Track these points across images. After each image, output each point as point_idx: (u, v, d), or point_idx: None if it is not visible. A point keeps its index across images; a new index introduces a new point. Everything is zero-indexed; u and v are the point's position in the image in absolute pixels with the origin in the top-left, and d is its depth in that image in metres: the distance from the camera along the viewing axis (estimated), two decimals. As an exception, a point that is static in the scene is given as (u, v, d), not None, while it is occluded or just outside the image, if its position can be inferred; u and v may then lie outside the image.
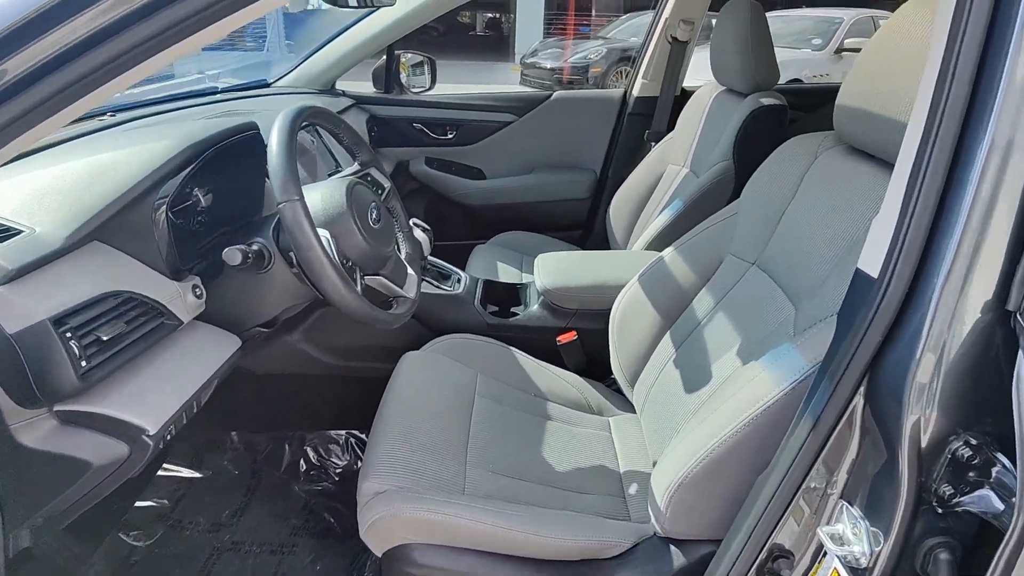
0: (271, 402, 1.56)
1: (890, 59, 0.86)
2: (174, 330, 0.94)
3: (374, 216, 1.06)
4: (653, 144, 2.11)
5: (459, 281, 1.60)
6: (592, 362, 1.50)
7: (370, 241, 1.01)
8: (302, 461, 1.56)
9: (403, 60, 2.33)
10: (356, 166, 1.19)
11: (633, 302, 1.32)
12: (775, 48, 1.64)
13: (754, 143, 1.60)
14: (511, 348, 1.41)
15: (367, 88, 2.25)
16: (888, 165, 0.79)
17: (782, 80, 1.76)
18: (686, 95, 2.19)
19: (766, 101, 1.59)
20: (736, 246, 1.21)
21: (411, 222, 1.49)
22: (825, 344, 0.66)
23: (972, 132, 0.52)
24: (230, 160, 1.09)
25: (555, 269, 1.54)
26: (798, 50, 7.42)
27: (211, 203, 1.05)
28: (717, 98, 1.84)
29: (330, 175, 1.21)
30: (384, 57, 2.20)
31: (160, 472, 1.48)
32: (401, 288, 1.13)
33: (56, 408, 0.78)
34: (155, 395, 0.86)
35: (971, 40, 0.52)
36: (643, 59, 2.19)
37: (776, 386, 0.77)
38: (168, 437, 0.88)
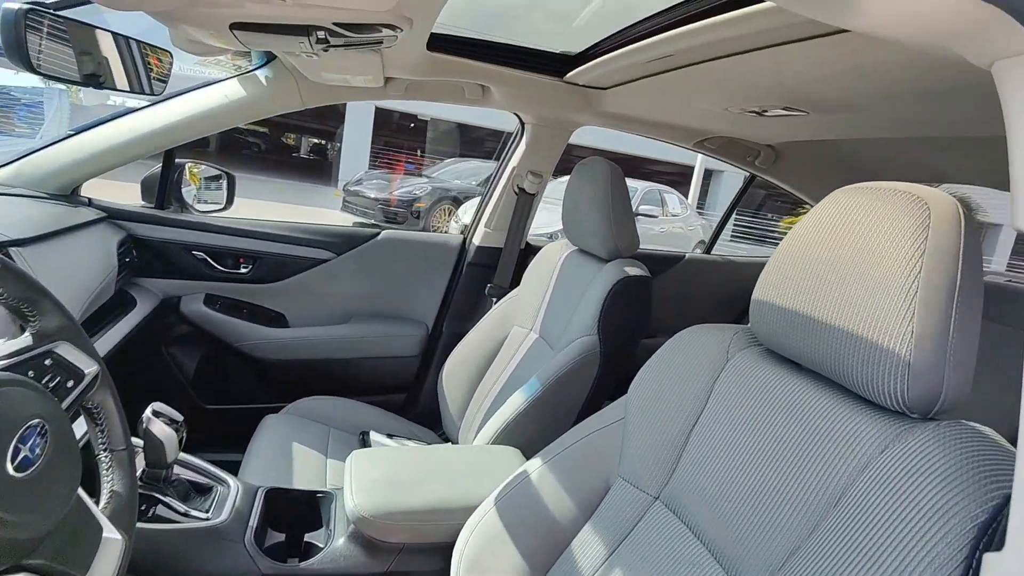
0: None
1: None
2: None
3: (23, 456, 0.54)
4: (495, 300, 1.83)
5: (224, 500, 1.05)
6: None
7: None
8: None
9: (194, 171, 1.84)
10: (25, 340, 0.67)
11: (488, 539, 0.91)
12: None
13: (620, 317, 1.38)
14: None
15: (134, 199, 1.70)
16: (825, 380, 0.71)
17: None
18: (531, 249, 2.00)
19: (632, 271, 1.40)
20: (626, 467, 0.90)
21: (148, 412, 0.95)
22: None
23: None
24: None
25: (373, 484, 1.07)
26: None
27: None
28: (569, 259, 1.64)
29: None
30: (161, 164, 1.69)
31: None
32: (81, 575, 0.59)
33: None
34: None
35: None
36: (486, 206, 1.97)
37: None
38: None
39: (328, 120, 16.55)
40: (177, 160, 1.70)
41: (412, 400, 1.98)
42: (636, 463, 0.89)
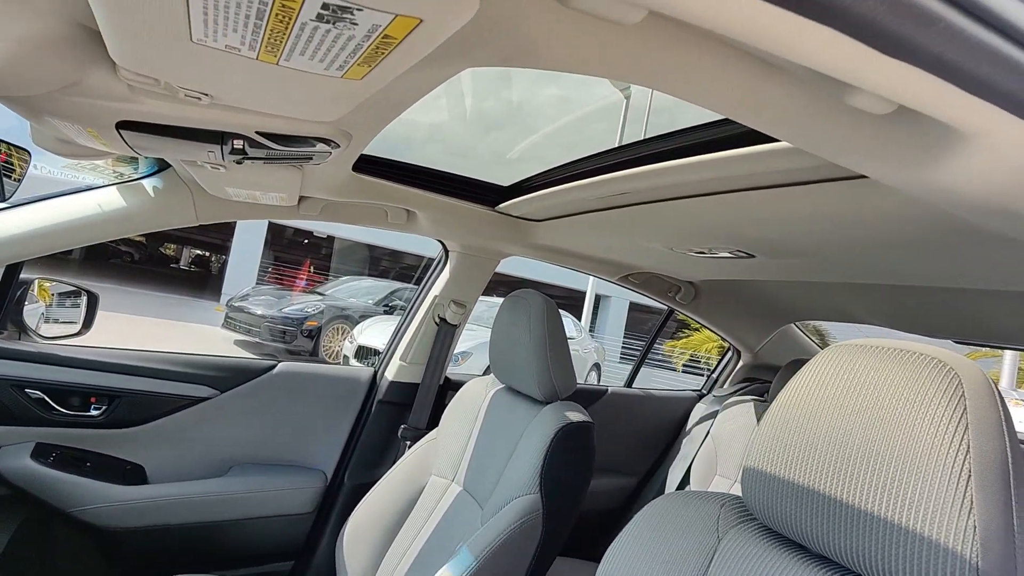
0: None
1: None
2: None
3: None
4: (409, 444, 1.60)
5: None
6: None
7: None
8: None
9: (45, 287, 1.52)
10: None
11: None
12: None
13: (564, 471, 1.21)
14: None
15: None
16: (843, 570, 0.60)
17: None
18: (450, 384, 1.81)
19: (573, 416, 1.26)
20: None
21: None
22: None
23: None
24: None
25: None
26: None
27: None
28: (498, 398, 1.47)
29: None
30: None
31: None
32: None
33: None
34: None
35: None
36: (401, 337, 1.78)
37: None
38: None
39: (213, 231, 15.83)
40: (22, 276, 1.39)
41: (299, 571, 1.62)
42: None
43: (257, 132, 0.72)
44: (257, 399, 1.60)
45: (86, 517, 1.38)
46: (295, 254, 15.34)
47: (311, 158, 0.86)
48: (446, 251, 1.75)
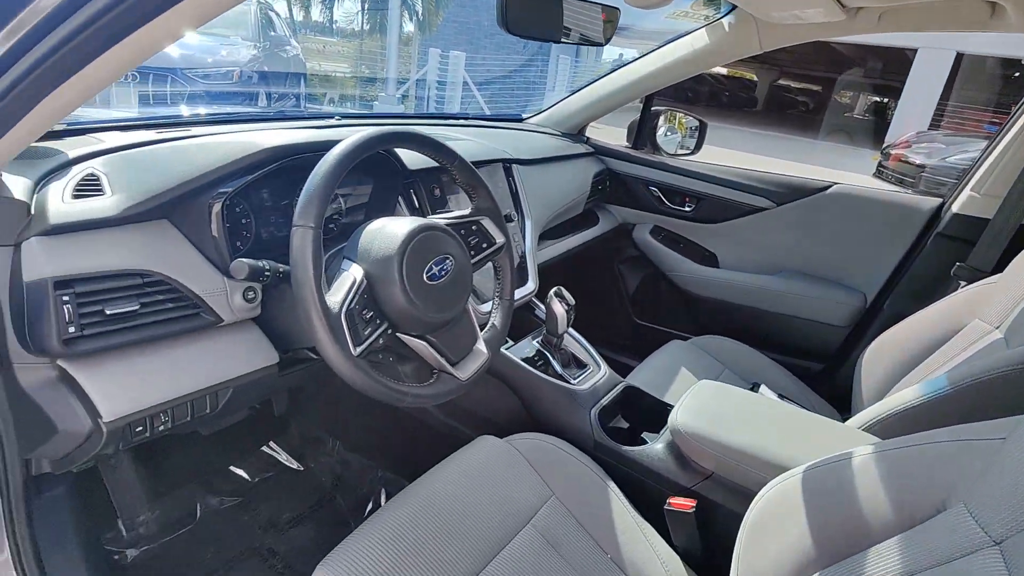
0: (367, 430, 1.50)
1: None
2: (212, 326, 0.92)
3: (434, 271, 0.88)
4: (963, 284, 1.44)
5: (591, 377, 1.31)
6: (709, 552, 1.05)
7: (412, 298, 0.84)
8: (371, 504, 1.47)
9: (679, 120, 2.11)
10: (468, 210, 1.03)
11: (780, 506, 0.87)
12: None
13: None
14: (609, 484, 1.07)
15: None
16: None
17: None
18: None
19: None
20: (976, 496, 0.69)
21: (552, 293, 1.27)
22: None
23: None
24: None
25: (703, 406, 1.12)
26: None
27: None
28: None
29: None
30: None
31: (265, 448, 1.56)
32: (451, 363, 0.93)
33: (58, 362, 0.81)
34: (140, 384, 0.84)
35: None
36: (980, 165, 1.52)
37: None
38: (139, 430, 0.85)
39: (893, 75, 14.43)
40: (653, 108, 1.97)
41: (828, 374, 1.80)
42: (992, 497, 0.68)
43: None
44: (808, 215, 1.78)
45: (677, 281, 1.98)
46: (989, 92, 12.35)
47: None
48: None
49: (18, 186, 0.80)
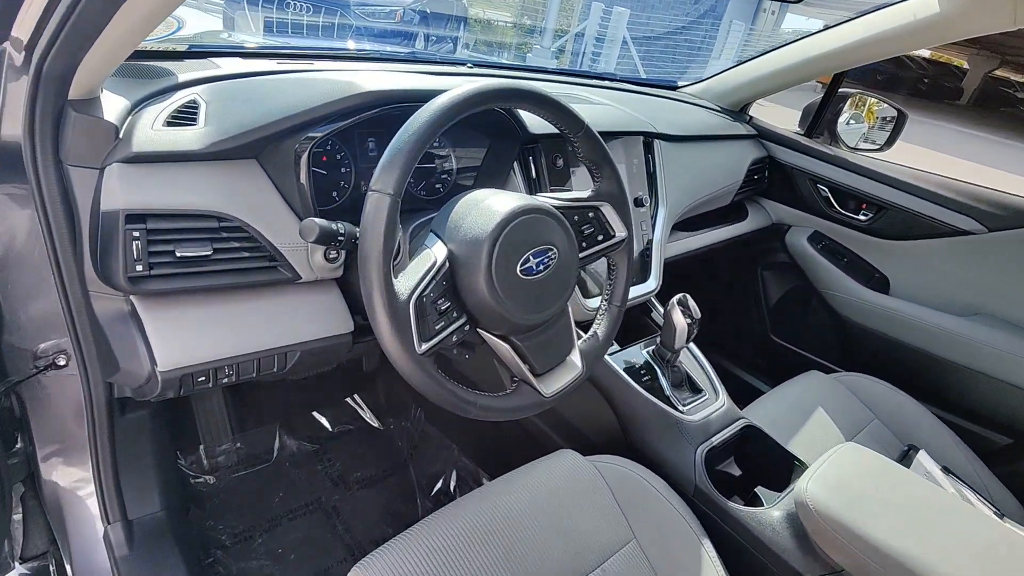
0: None
1: None
2: (288, 283, 0.84)
3: (531, 264, 0.72)
4: None
5: (705, 405, 1.10)
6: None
7: (498, 292, 0.69)
8: (441, 482, 1.39)
9: (870, 108, 1.74)
10: (588, 192, 0.85)
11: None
12: None
13: None
14: (704, 542, 0.89)
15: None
16: None
17: None
18: None
19: None
20: None
21: (674, 300, 1.06)
22: None
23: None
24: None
25: (842, 478, 0.88)
26: None
27: None
28: None
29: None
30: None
31: (349, 400, 1.53)
32: (535, 374, 0.78)
33: (130, 297, 0.77)
34: (203, 336, 0.78)
35: None
36: None
37: None
38: (201, 379, 0.79)
39: None
40: (841, 90, 1.63)
41: (1014, 452, 1.42)
42: None
43: None
44: (1031, 249, 1.38)
45: (831, 301, 1.66)
46: None
47: None
48: None
49: (116, 107, 0.75)
